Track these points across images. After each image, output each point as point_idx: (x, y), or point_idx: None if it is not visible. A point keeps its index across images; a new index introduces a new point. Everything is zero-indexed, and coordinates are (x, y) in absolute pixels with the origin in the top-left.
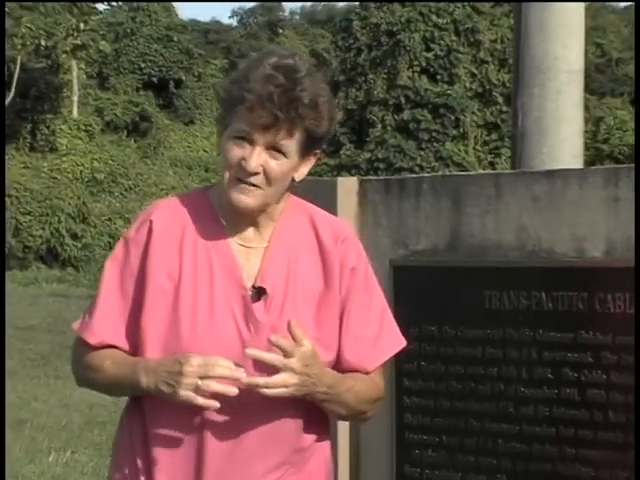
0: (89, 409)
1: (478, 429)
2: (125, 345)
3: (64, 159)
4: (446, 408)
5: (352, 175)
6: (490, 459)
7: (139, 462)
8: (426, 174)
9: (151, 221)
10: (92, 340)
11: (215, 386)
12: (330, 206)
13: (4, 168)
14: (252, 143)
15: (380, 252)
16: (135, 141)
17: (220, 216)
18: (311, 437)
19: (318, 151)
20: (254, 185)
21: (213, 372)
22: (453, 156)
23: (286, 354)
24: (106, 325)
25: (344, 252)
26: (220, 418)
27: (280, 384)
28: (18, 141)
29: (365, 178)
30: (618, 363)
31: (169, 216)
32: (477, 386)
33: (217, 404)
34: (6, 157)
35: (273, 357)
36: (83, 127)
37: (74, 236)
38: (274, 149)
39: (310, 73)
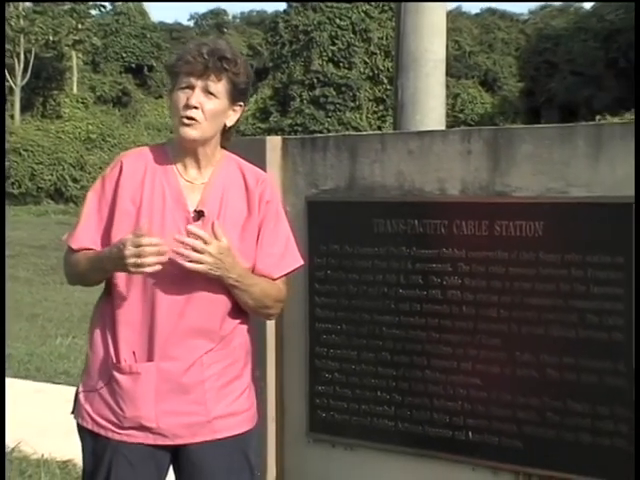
0: (85, 306)
1: (369, 320)
2: (99, 248)
3: (67, 123)
4: (345, 305)
5: (278, 135)
6: (377, 341)
7: (108, 336)
8: (331, 134)
9: (122, 162)
10: (75, 245)
11: (149, 250)
12: (261, 158)
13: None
14: (192, 88)
15: (298, 191)
16: (119, 110)
17: (173, 160)
18: (235, 320)
19: (242, 103)
20: (195, 120)
21: (144, 241)
22: (351, 122)
23: (204, 242)
24: (85, 235)
25: (262, 190)
26: (167, 300)
27: (196, 259)
28: (33, 110)
29: (287, 137)
30: (470, 271)
31: (135, 159)
32: (368, 289)
33: (156, 264)
34: (24, 122)
35: (195, 242)
36: (81, 100)
37: (74, 180)
38: (208, 92)
39: (229, 45)
